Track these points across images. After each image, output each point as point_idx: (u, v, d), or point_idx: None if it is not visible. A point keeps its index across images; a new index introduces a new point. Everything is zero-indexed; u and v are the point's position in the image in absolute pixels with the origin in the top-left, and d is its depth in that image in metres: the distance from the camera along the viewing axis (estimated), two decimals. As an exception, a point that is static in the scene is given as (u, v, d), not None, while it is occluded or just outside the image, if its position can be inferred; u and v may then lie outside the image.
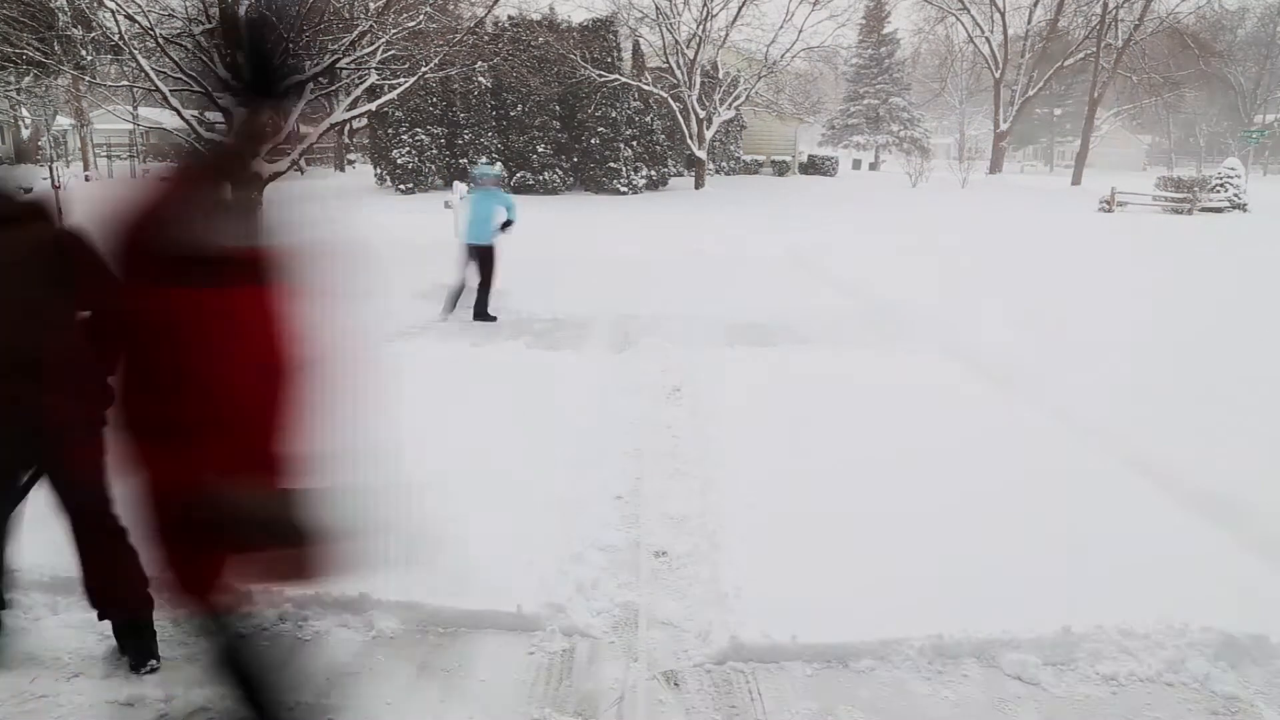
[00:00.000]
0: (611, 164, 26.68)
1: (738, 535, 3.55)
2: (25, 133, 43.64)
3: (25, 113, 40.78)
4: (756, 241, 14.51)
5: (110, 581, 2.51)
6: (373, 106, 15.71)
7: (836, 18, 30.20)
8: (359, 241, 2.04)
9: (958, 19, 41.81)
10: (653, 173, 28.29)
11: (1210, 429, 4.92)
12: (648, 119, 28.06)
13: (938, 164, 42.54)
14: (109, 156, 41.19)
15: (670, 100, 26.61)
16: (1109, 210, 24.91)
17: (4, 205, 2.28)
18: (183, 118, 11.59)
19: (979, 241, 15.36)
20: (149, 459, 1.91)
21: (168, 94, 11.08)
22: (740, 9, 27.34)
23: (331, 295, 1.91)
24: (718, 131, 28.28)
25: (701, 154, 27.33)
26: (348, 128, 38.92)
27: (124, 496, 2.08)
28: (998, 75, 39.80)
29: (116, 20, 10.26)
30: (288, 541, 1.90)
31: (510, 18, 25.35)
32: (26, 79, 12.68)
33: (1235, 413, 5.24)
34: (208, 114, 22.32)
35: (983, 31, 40.26)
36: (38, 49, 10.64)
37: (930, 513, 3.75)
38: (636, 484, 4.22)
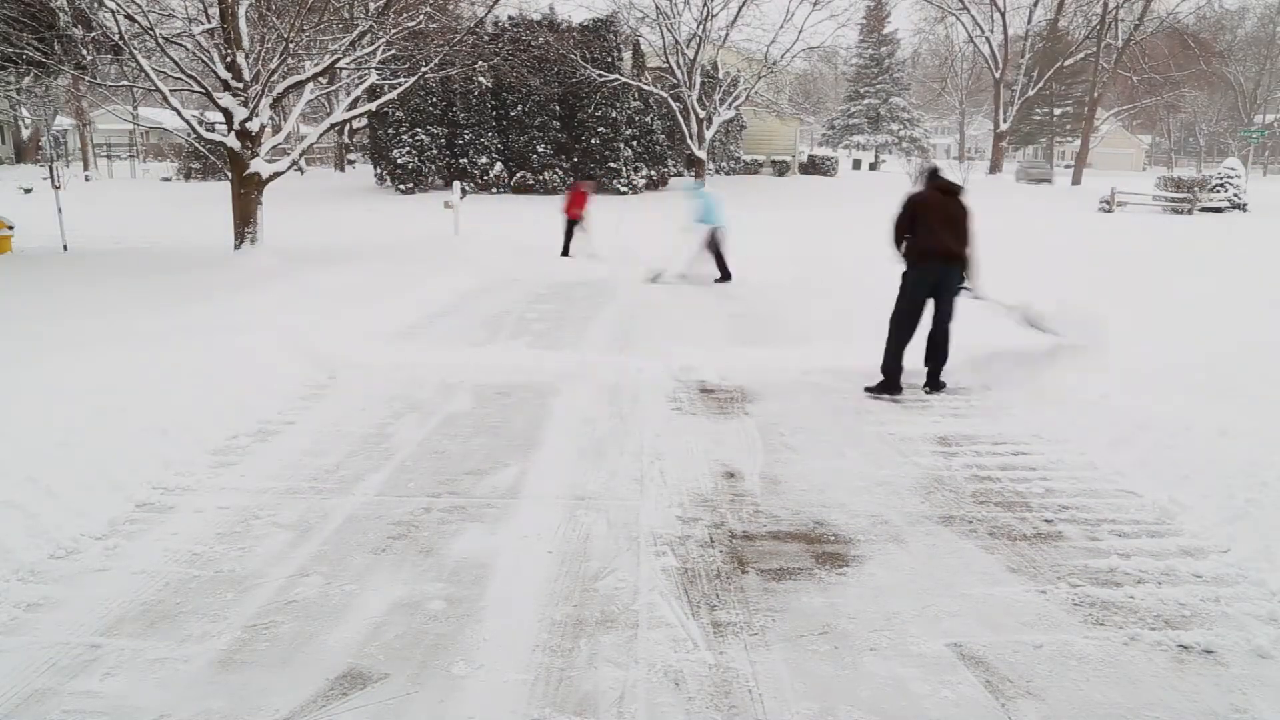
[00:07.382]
0: (611, 164, 26.69)
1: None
2: (25, 133, 43.68)
3: (25, 113, 40.84)
4: (759, 240, 14.46)
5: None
6: (373, 106, 15.73)
7: (836, 18, 30.27)
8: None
9: (958, 19, 41.85)
10: (653, 172, 28.30)
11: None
12: (648, 119, 28.07)
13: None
14: (109, 156, 41.19)
15: (670, 100, 26.61)
16: (1109, 210, 24.94)
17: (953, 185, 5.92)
18: (183, 118, 11.60)
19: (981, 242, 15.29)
20: None
21: (168, 94, 11.09)
22: (740, 9, 27.35)
23: None
24: (718, 131, 28.29)
25: (701, 154, 27.34)
26: (348, 128, 38.94)
27: None
28: (998, 75, 39.81)
29: (116, 20, 10.26)
30: None
31: (510, 18, 25.37)
32: (26, 79, 12.69)
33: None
34: (207, 114, 22.32)
35: (983, 31, 40.28)
36: (38, 49, 10.64)
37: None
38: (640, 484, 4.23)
